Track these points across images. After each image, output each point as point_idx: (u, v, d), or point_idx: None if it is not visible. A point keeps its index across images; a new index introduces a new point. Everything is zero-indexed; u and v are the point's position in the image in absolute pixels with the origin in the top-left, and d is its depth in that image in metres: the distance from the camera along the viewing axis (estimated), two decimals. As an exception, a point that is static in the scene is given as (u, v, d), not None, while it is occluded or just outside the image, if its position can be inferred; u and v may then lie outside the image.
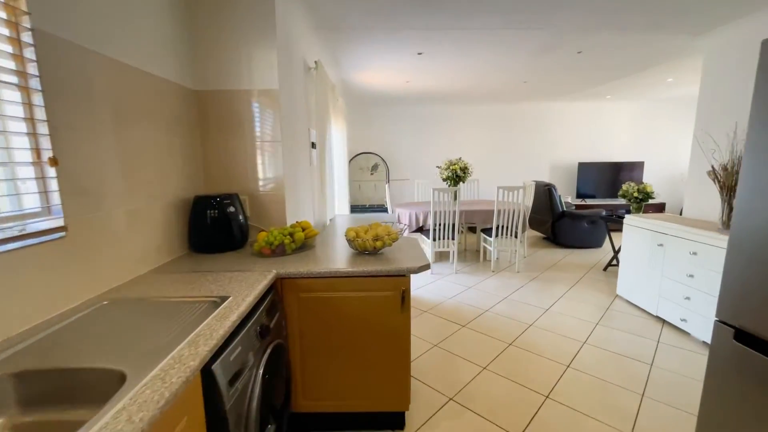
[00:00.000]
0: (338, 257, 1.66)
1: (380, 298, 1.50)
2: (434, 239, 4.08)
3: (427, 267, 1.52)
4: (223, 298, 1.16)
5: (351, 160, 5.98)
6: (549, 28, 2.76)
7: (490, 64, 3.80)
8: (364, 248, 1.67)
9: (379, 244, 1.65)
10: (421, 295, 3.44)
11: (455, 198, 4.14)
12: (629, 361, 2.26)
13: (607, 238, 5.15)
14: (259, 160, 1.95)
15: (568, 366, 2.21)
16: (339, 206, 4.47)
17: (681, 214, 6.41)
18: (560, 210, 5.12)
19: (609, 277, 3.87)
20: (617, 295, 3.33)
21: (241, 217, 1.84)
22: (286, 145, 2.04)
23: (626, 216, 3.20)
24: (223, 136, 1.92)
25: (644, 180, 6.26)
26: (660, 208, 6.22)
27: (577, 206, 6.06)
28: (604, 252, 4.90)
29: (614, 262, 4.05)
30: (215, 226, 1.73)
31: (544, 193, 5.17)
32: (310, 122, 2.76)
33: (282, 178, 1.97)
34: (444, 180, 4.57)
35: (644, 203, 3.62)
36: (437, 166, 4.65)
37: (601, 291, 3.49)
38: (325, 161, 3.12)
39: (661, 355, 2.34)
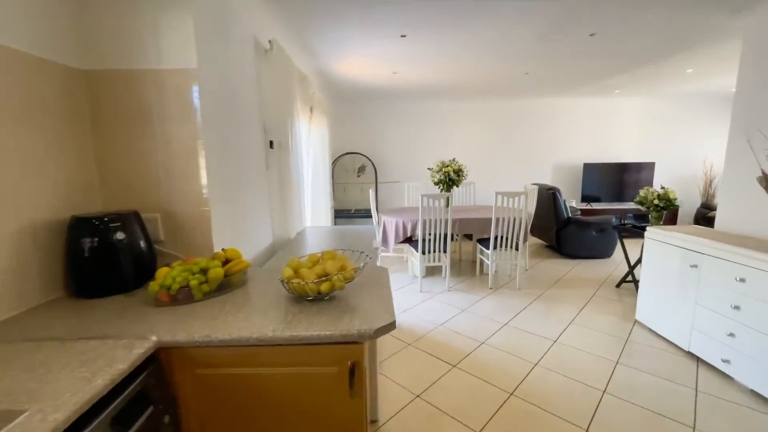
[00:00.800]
0: (268, 305, 1.16)
1: (318, 376, 0.99)
2: (424, 252, 3.58)
3: (390, 327, 1.02)
4: (14, 414, 0.66)
5: (335, 161, 5.48)
6: (560, 1, 2.26)
7: (487, 50, 3.30)
8: (303, 293, 1.17)
9: (325, 287, 1.15)
10: (406, 322, 2.94)
11: (448, 204, 3.65)
12: (665, 423, 1.76)
13: (619, 248, 4.66)
14: (175, 165, 1.45)
15: (587, 430, 1.72)
16: (319, 214, 3.97)
17: (698, 221, 6.01)
18: (566, 216, 4.62)
19: (624, 296, 3.38)
20: (636, 321, 2.83)
21: (143, 243, 1.34)
22: (215, 144, 1.53)
23: (648, 228, 2.71)
24: (125, 132, 1.42)
25: (654, 182, 5.77)
26: (673, 215, 5.74)
27: (582, 211, 5.57)
28: (615, 263, 4.41)
29: (629, 278, 3.56)
30: (96, 259, 1.22)
31: (548, 197, 4.67)
32: (266, 117, 2.25)
33: (206, 189, 1.46)
34: (436, 184, 4.07)
35: (665, 212, 3.12)
36: (428, 168, 4.15)
37: (616, 314, 3.00)
38: (291, 163, 2.62)
39: (703, 411, 1.84)
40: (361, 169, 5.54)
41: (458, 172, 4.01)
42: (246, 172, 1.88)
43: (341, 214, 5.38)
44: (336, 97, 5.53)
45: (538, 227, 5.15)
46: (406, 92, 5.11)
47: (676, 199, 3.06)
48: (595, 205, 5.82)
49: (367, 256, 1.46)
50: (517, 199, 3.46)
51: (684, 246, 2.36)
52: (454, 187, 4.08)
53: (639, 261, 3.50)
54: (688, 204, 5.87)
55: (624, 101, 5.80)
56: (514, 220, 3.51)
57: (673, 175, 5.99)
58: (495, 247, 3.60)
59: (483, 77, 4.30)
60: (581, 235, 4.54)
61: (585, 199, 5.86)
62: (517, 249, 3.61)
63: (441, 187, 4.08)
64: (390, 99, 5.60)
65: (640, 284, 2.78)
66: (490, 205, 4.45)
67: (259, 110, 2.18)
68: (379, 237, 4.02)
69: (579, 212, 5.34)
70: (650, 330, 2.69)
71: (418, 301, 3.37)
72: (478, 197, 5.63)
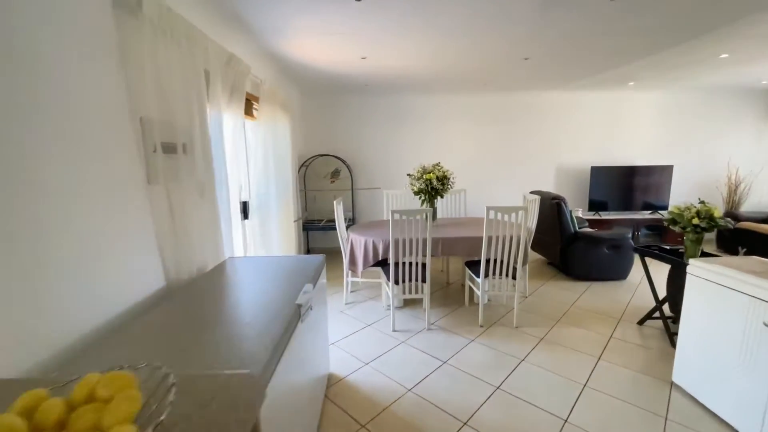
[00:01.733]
0: None
1: None
2: (397, 281, 2.86)
3: None
4: None
5: (305, 164, 4.75)
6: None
7: (477, 24, 2.58)
8: None
9: None
10: (366, 381, 2.22)
11: (430, 218, 2.94)
12: None
13: (636, 268, 3.94)
14: None
15: None
16: (271, 228, 3.25)
17: (721, 234, 5.28)
18: (572, 231, 3.90)
19: (650, 339, 2.66)
20: (674, 385, 2.11)
21: None
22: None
23: (691, 261, 1.99)
24: None
25: (673, 188, 5.05)
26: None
27: (590, 221, 4.84)
28: (632, 287, 3.69)
29: (656, 314, 2.84)
30: None
31: (551, 207, 3.95)
32: (146, 107, 1.53)
33: None
34: (416, 194, 3.35)
35: (705, 233, 2.40)
36: (408, 174, 3.42)
37: (644, 371, 2.27)
38: (199, 172, 1.90)
39: None
40: (335, 174, 4.81)
41: (443, 179, 3.28)
42: (95, 184, 1.15)
43: (312, 227, 4.66)
44: (305, 91, 4.81)
45: (539, 242, 4.43)
46: (385, 85, 4.38)
47: (721, 218, 2.34)
48: (605, 215, 5.09)
49: (172, 384, 0.72)
50: (513, 215, 2.74)
51: (754, 294, 1.64)
52: (438, 197, 3.36)
53: (668, 299, 2.78)
54: (710, 213, 5.14)
55: (638, 96, 5.07)
56: (511, 239, 2.79)
57: (692, 180, 5.27)
58: (487, 275, 2.88)
59: (474, 64, 3.58)
60: (591, 254, 3.81)
61: (593, 207, 5.13)
62: (514, 277, 2.88)
63: (422, 198, 3.36)
64: (368, 93, 4.88)
65: (681, 335, 2.06)
66: (483, 218, 3.73)
67: (130, 97, 1.45)
68: (346, 259, 3.29)
69: (587, 224, 4.61)
70: (695, 401, 1.96)
71: (389, 345, 2.65)
72: (471, 207, 4.91)
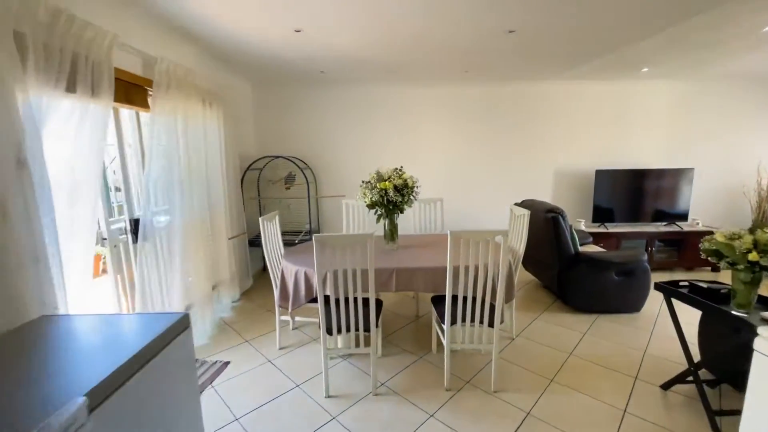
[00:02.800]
0: None
1: None
2: (330, 330, 2.10)
3: None
4: None
5: (255, 168, 3.98)
6: None
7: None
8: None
9: None
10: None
11: (371, 246, 2.20)
12: None
13: (652, 299, 3.16)
14: None
15: None
16: (190, 254, 2.52)
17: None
18: (573, 251, 3.13)
19: (681, 413, 1.89)
20: None
21: None
22: None
23: (761, 332, 1.22)
24: None
25: (693, 194, 4.27)
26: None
27: (595, 235, 4.07)
28: (648, 323, 2.92)
29: (689, 377, 2.06)
30: None
31: (547, 222, 3.18)
32: None
33: None
34: (369, 208, 2.60)
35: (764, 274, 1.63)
36: (361, 183, 2.65)
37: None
38: (28, 180, 1.15)
39: None
40: (289, 180, 4.06)
41: (403, 189, 2.52)
42: None
43: (257, 244, 3.90)
44: (258, 84, 4.07)
45: (531, 260, 3.66)
46: (346, 72, 3.64)
47: (789, 252, 1.57)
48: (612, 227, 4.31)
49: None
50: (486, 244, 1.98)
51: None
52: (398, 212, 2.61)
53: (703, 355, 2.01)
54: (735, 223, 4.35)
55: (653, 85, 4.29)
56: (487, 270, 2.03)
57: (715, 186, 4.48)
58: (455, 320, 2.11)
59: (443, 43, 2.82)
60: (597, 280, 3.04)
61: (598, 217, 4.35)
62: (491, 324, 2.12)
63: (378, 213, 2.60)
64: (328, 84, 4.14)
65: (745, 422, 1.29)
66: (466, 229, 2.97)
67: None
68: (276, 292, 2.54)
69: (590, 238, 3.84)
70: None
71: (314, 424, 1.90)
72: (450, 220, 4.15)
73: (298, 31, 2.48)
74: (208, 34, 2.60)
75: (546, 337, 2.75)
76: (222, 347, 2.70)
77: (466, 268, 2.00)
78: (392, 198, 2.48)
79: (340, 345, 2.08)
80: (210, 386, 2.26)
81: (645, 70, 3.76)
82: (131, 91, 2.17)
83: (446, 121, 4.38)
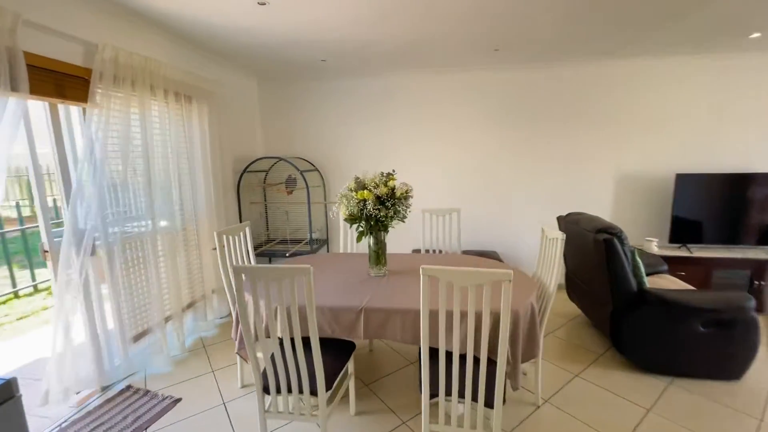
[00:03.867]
0: None
1: None
2: (268, 389, 1.58)
3: None
4: None
5: (248, 170, 3.61)
6: None
7: None
8: None
9: None
10: None
11: (375, 262, 1.67)
12: None
13: (758, 366, 2.20)
14: None
15: None
16: (151, 271, 2.21)
17: None
18: (635, 287, 2.27)
19: None
20: None
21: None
22: None
23: None
24: None
25: (827, 211, 3.05)
26: None
27: (671, 260, 3.08)
28: (753, 398, 1.97)
29: None
30: None
31: (597, 247, 2.35)
32: None
33: None
34: (349, 222, 2.04)
35: None
36: (342, 193, 2.10)
37: None
38: None
39: None
40: (290, 182, 3.64)
41: (387, 201, 1.94)
42: None
43: (267, 252, 3.55)
44: (263, 80, 3.74)
45: (578, 289, 2.85)
46: (348, 58, 3.13)
47: None
48: (697, 250, 3.25)
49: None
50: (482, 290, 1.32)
51: None
52: (383, 230, 2.03)
53: None
54: None
55: (761, 60, 3.16)
56: (496, 321, 1.36)
57: None
58: (436, 392, 1.47)
59: (463, 9, 2.17)
60: (672, 330, 2.16)
61: (678, 236, 3.31)
62: (489, 404, 1.44)
63: (360, 229, 2.05)
64: (334, 74, 3.66)
65: None
66: (477, 256, 2.29)
67: None
68: (234, 332, 2.09)
69: (665, 266, 2.90)
70: None
71: None
72: (471, 235, 3.45)
73: (262, 4, 2.01)
74: (172, 18, 2.25)
75: (589, 409, 1.97)
76: (183, 377, 2.35)
77: (461, 314, 1.36)
78: (371, 212, 1.90)
79: (281, 408, 1.57)
80: (145, 431, 1.88)
81: (755, 36, 2.71)
82: (66, 83, 1.87)
83: (470, 115, 3.65)
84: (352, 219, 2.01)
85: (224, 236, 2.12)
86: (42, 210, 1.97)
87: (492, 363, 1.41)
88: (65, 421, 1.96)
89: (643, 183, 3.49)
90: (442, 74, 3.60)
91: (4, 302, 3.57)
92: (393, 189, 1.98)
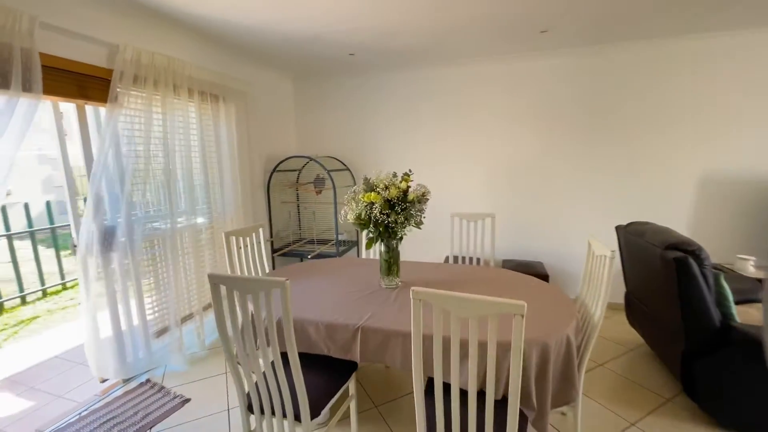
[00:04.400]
0: None
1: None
2: (251, 406, 1.45)
3: None
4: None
5: (277, 170, 3.56)
6: None
7: None
8: None
9: None
10: None
11: (387, 272, 1.50)
12: None
13: None
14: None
15: None
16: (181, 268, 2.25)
17: None
18: (716, 320, 1.78)
19: None
20: None
21: None
22: None
23: None
24: None
25: None
26: None
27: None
28: None
29: None
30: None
31: (666, 267, 1.88)
32: None
33: None
34: (360, 227, 1.85)
35: None
36: (348, 195, 1.92)
37: None
38: None
39: None
40: (319, 182, 3.54)
41: (397, 204, 1.72)
42: None
43: (291, 255, 3.52)
44: (299, 79, 3.70)
45: (639, 312, 2.36)
46: (371, 51, 2.94)
47: None
48: (815, 273, 2.53)
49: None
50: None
51: None
52: (394, 238, 1.81)
53: None
54: None
55: None
56: (527, 359, 1.09)
57: None
58: (438, 434, 1.23)
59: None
60: (765, 383, 1.64)
61: (784, 255, 2.61)
62: (500, 461, 1.15)
63: (370, 234, 1.85)
64: (364, 71, 3.50)
65: None
66: (512, 271, 1.97)
67: None
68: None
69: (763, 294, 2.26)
70: None
71: None
72: (513, 243, 3.07)
73: (275, -7, 1.90)
74: (197, 18, 2.25)
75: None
76: (197, 376, 2.35)
77: (463, 346, 1.10)
78: (377, 217, 1.69)
79: (265, 431, 1.44)
80: (149, 430, 1.88)
81: None
82: (88, 84, 1.92)
83: (512, 109, 3.25)
84: (361, 224, 1.82)
85: (234, 237, 2.05)
86: (72, 207, 2.07)
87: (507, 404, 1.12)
88: (86, 409, 2.04)
89: (737, 187, 2.82)
90: (475, 65, 3.25)
91: (55, 292, 3.95)
92: (405, 191, 1.74)
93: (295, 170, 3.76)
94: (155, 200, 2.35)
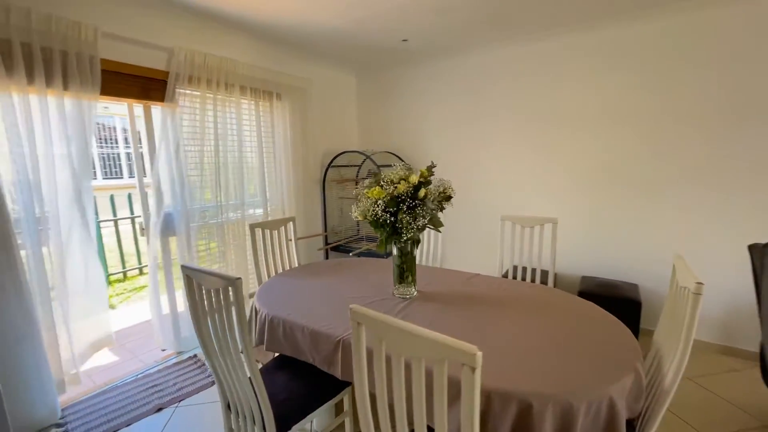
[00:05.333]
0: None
1: None
2: (230, 407, 1.40)
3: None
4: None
5: (333, 165, 3.53)
6: None
7: None
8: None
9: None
10: None
11: (399, 279, 1.40)
12: None
13: None
14: None
15: None
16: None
17: None
18: None
19: None
20: None
21: None
22: None
23: None
24: None
25: None
26: None
27: None
28: None
29: None
30: None
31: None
32: None
33: None
34: (371, 222, 1.65)
35: None
36: (356, 191, 1.72)
37: None
38: None
39: None
40: (371, 177, 3.38)
41: (404, 201, 1.48)
42: None
43: (339, 248, 3.49)
44: (362, 73, 3.65)
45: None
46: (424, 33, 2.65)
47: None
48: None
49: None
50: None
51: None
52: (416, 241, 1.58)
53: None
54: None
55: None
56: None
57: None
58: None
59: None
60: None
61: None
62: None
63: (381, 234, 1.64)
64: (423, 60, 3.21)
65: None
66: (566, 293, 1.54)
67: None
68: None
69: None
70: None
71: None
72: (597, 257, 2.47)
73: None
74: (248, 22, 2.34)
75: None
76: (236, 359, 2.47)
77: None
78: (378, 215, 1.47)
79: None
80: (179, 403, 2.03)
81: None
82: (149, 86, 2.16)
83: (606, 92, 2.56)
84: (374, 223, 1.61)
85: (259, 229, 2.07)
86: (141, 197, 2.37)
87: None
88: (142, 372, 2.32)
89: None
90: (551, 39, 2.67)
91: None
92: (416, 186, 1.48)
93: (355, 166, 3.73)
94: (211, 193, 2.54)
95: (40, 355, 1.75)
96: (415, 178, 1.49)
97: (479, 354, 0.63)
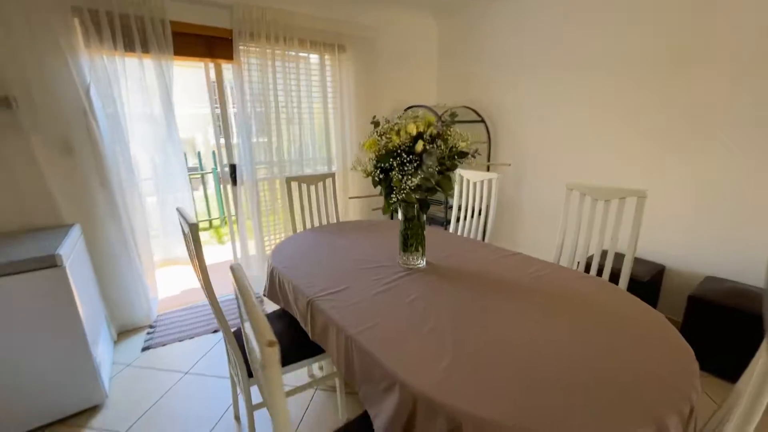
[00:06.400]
0: None
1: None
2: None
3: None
4: None
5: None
6: None
7: None
8: None
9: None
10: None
11: (404, 247, 1.37)
12: None
13: None
14: None
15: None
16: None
17: None
18: None
19: None
20: None
21: None
22: None
23: None
24: None
25: None
26: None
27: None
28: None
29: None
30: None
31: None
32: None
33: None
34: (370, 177, 1.47)
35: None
36: (363, 141, 1.50)
37: None
38: (90, 122, 1.79)
39: None
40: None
41: (405, 152, 1.26)
42: None
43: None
44: (436, 12, 3.22)
45: None
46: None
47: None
48: None
49: None
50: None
51: None
52: (425, 207, 1.37)
53: None
54: None
55: None
56: None
57: None
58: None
59: None
60: None
61: None
62: None
63: (391, 199, 1.47)
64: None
65: None
66: (633, 297, 1.14)
67: None
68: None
69: None
70: None
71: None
72: (653, 241, 1.73)
73: None
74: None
75: None
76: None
77: None
78: (369, 171, 1.28)
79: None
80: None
81: None
82: (214, 44, 2.32)
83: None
84: (373, 176, 1.43)
85: (296, 183, 2.10)
86: (218, 149, 2.67)
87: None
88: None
89: None
90: None
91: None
92: (417, 137, 1.22)
93: (429, 124, 3.44)
94: (276, 147, 2.68)
95: (135, 271, 2.24)
96: (413, 128, 1.23)
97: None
